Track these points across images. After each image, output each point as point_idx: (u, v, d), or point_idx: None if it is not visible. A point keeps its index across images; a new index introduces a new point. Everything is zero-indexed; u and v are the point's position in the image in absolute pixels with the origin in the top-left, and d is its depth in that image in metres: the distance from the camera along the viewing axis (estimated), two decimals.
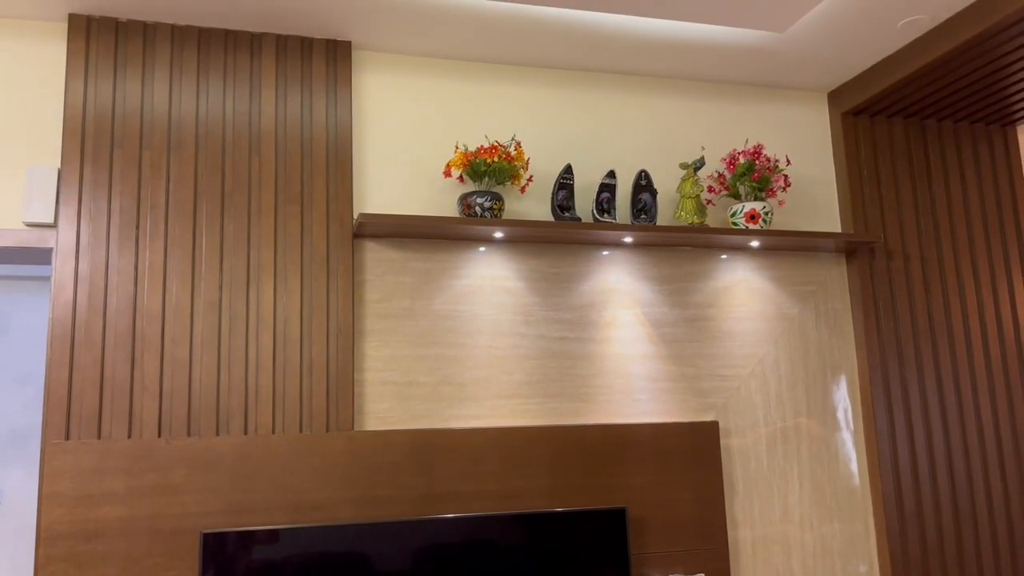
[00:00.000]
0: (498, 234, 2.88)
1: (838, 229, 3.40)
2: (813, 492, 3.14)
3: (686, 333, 3.12)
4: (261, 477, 2.55)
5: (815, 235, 3.10)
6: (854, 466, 3.21)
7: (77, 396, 2.48)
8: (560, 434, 2.85)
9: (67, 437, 2.46)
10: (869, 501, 3.20)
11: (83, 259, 2.57)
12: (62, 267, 2.55)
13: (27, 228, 2.58)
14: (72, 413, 2.47)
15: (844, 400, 3.25)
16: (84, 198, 2.60)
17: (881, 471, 3.16)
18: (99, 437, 2.48)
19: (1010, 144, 3.59)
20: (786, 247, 3.23)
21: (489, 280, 2.96)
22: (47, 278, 4.48)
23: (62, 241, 2.56)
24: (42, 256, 2.67)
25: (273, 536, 2.45)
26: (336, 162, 2.85)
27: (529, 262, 3.01)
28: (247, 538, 2.43)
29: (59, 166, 2.64)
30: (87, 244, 2.58)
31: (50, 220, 2.57)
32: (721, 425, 3.09)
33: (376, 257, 2.86)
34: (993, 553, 3.22)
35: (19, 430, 4.78)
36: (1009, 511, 3.27)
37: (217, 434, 2.57)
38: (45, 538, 2.35)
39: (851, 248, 3.29)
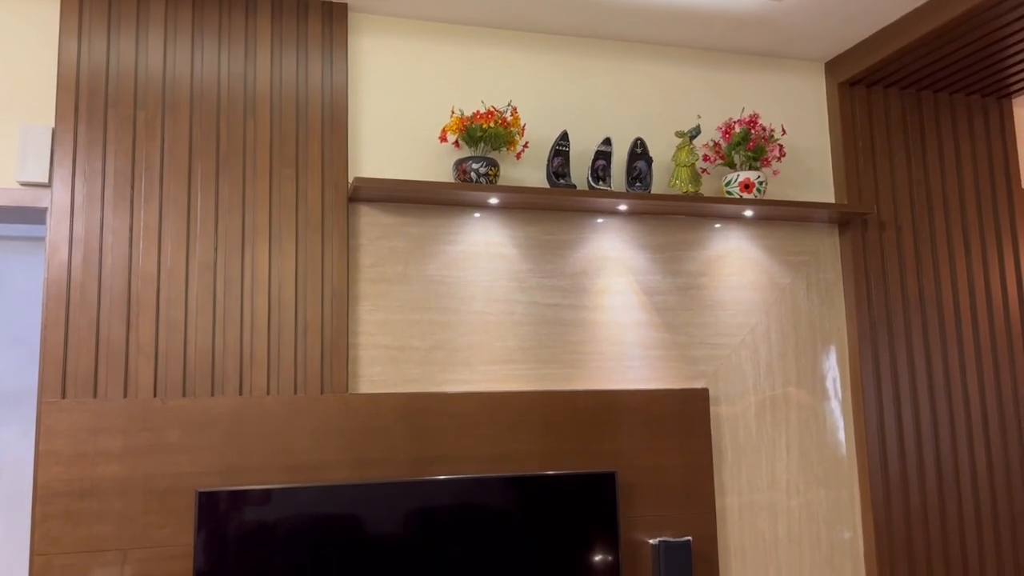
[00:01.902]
0: (493, 200, 2.89)
1: (832, 200, 3.41)
2: (800, 460, 3.19)
3: (678, 301, 3.14)
4: (255, 438, 2.57)
5: (808, 205, 3.11)
6: (841, 435, 3.25)
7: (73, 356, 2.49)
8: (552, 399, 2.88)
9: (63, 397, 2.47)
10: (855, 469, 3.25)
11: (78, 219, 2.57)
12: (57, 227, 2.55)
13: (21, 187, 2.57)
14: (68, 373, 2.48)
15: (833, 370, 3.29)
16: (78, 158, 2.59)
17: (868, 440, 3.21)
18: (95, 397, 2.50)
19: (1005, 117, 3.60)
20: (779, 217, 3.24)
21: (483, 246, 2.96)
22: (41, 239, 4.47)
23: (56, 201, 2.56)
24: (36, 216, 2.67)
25: (267, 496, 2.48)
26: (331, 125, 2.84)
27: (524, 229, 3.01)
28: (242, 497, 2.46)
29: (53, 125, 2.63)
30: (82, 204, 2.58)
31: (44, 180, 2.56)
32: (711, 392, 3.12)
33: (371, 221, 2.86)
34: (975, 521, 3.28)
35: (13, 391, 4.79)
36: (992, 481, 3.32)
37: (212, 395, 2.59)
38: (41, 496, 2.38)
39: (844, 219, 3.30)
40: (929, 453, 3.28)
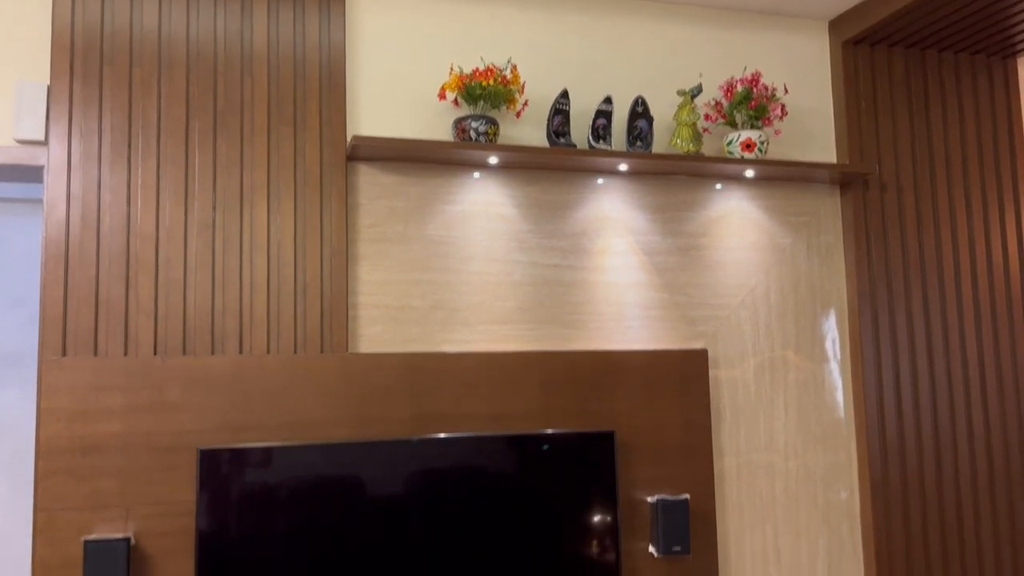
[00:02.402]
0: (492, 159, 2.87)
1: (833, 160, 3.39)
2: (798, 420, 3.20)
3: (678, 262, 3.13)
4: (256, 396, 2.58)
5: (810, 166, 3.10)
6: (839, 396, 3.27)
7: (72, 314, 2.49)
8: (551, 360, 2.89)
9: (63, 354, 2.48)
10: (853, 430, 3.27)
11: (75, 177, 2.55)
12: (54, 184, 2.54)
13: (17, 145, 2.55)
14: (68, 331, 2.48)
15: (832, 331, 3.29)
16: (75, 115, 2.57)
17: (866, 401, 3.22)
18: (95, 355, 2.50)
19: (1010, 76, 3.56)
20: (780, 177, 3.22)
21: (483, 206, 2.95)
22: (39, 200, 4.45)
23: (53, 158, 2.54)
24: (33, 174, 2.65)
25: (269, 454, 2.50)
26: (329, 84, 2.81)
27: (523, 188, 3.00)
28: (243, 455, 2.48)
29: (48, 82, 2.60)
30: (79, 162, 2.56)
31: (41, 137, 2.55)
32: (710, 353, 3.13)
33: (369, 181, 2.84)
34: (971, 481, 3.31)
35: (13, 352, 4.81)
36: (989, 440, 3.34)
37: (212, 354, 2.60)
38: (44, 452, 2.39)
39: (845, 179, 3.29)
40: (927, 413, 3.29)
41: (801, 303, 3.27)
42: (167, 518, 2.47)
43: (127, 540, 2.37)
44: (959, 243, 3.41)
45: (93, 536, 2.39)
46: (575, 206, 3.05)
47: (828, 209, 3.34)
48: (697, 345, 3.12)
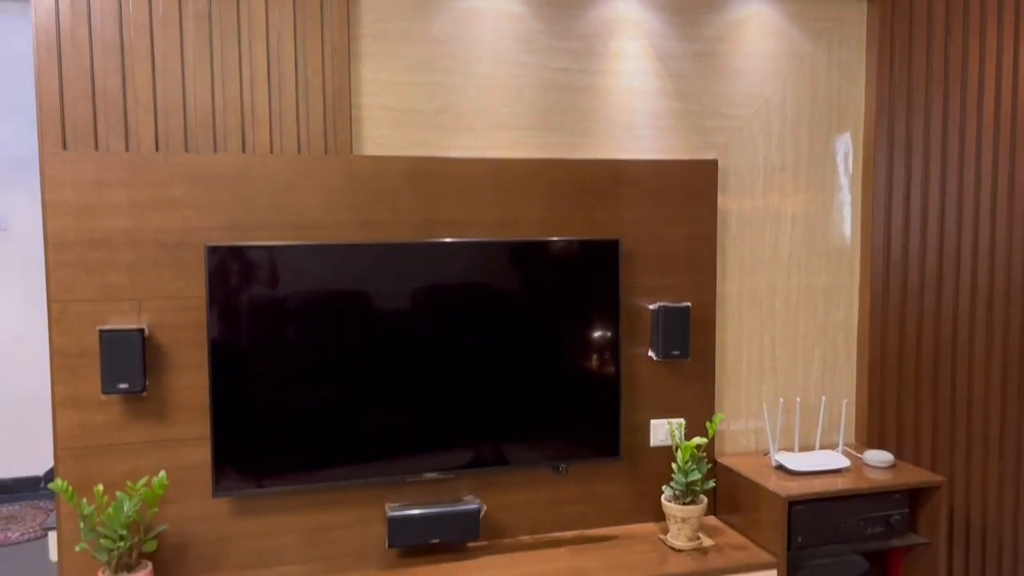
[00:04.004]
0: None
1: None
2: (804, 234, 3.20)
3: (693, 68, 3.02)
4: (261, 196, 2.57)
5: None
6: (847, 211, 3.24)
7: (70, 106, 2.44)
8: (558, 167, 2.85)
9: (64, 148, 2.44)
10: (858, 245, 3.27)
11: None
12: None
13: None
14: (66, 123, 2.44)
15: (846, 145, 3.22)
16: None
17: (874, 217, 3.20)
18: (96, 150, 2.47)
19: None
20: None
21: (490, 3, 2.81)
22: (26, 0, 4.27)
23: None
24: None
25: (276, 252, 2.52)
26: None
27: None
28: (250, 252, 2.50)
29: None
30: None
31: None
32: (720, 165, 3.08)
33: None
34: (971, 297, 3.35)
35: (16, 157, 4.77)
36: (993, 260, 3.35)
37: (215, 152, 2.56)
38: (53, 244, 2.41)
39: None
40: (934, 231, 3.28)
41: (817, 116, 3.18)
42: (179, 312, 2.52)
43: (141, 331, 2.43)
44: (986, 55, 3.27)
45: (108, 326, 2.46)
46: (588, 5, 2.90)
47: (853, 16, 3.18)
48: (708, 156, 3.06)
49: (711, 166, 3.00)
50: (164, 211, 2.49)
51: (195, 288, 2.53)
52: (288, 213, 2.59)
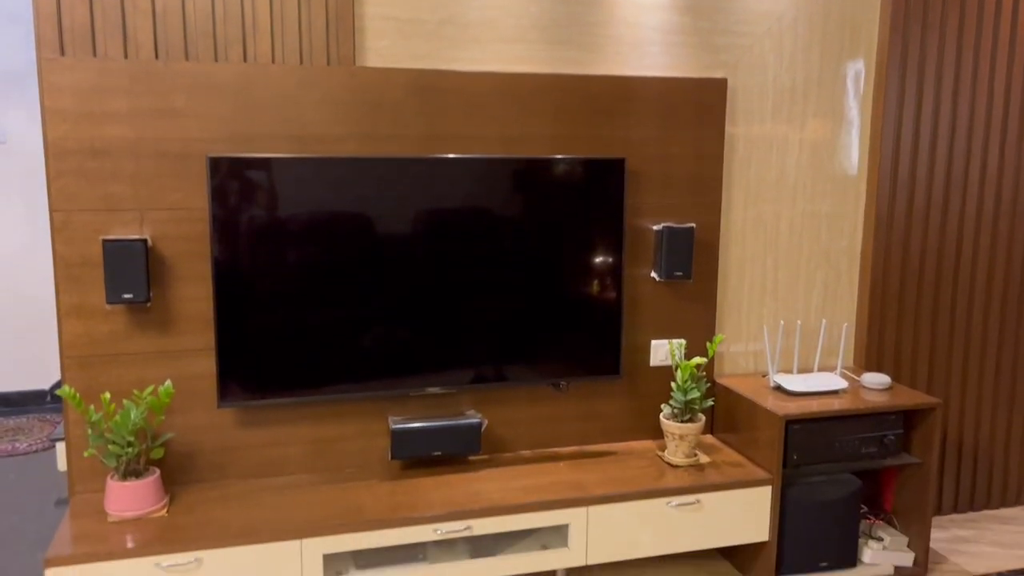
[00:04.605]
0: None
1: None
2: (812, 157, 3.17)
3: None
4: (263, 107, 2.53)
5: None
6: (855, 134, 3.20)
7: (67, 11, 2.38)
8: (565, 83, 2.80)
9: (62, 54, 2.40)
10: (866, 168, 3.24)
11: None
12: None
13: None
14: (63, 28, 2.38)
15: (858, 66, 3.16)
16: None
17: (883, 140, 3.17)
18: (95, 56, 2.42)
19: None
20: None
21: None
22: None
23: None
24: None
25: (279, 164, 2.49)
26: None
27: None
28: (253, 164, 2.47)
29: None
30: None
31: None
32: (729, 83, 3.03)
33: None
34: (976, 220, 3.33)
35: (14, 71, 4.69)
36: (1000, 183, 3.33)
37: (216, 61, 2.52)
38: (53, 153, 2.39)
39: None
40: (942, 153, 3.25)
41: (829, 35, 3.11)
42: (182, 223, 2.52)
43: (144, 241, 2.43)
44: None
45: (111, 236, 2.45)
46: None
47: None
48: (717, 75, 3.01)
49: (720, 85, 2.96)
50: (165, 120, 2.46)
51: (197, 200, 2.52)
52: (290, 125, 2.56)
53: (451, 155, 2.68)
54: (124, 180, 2.45)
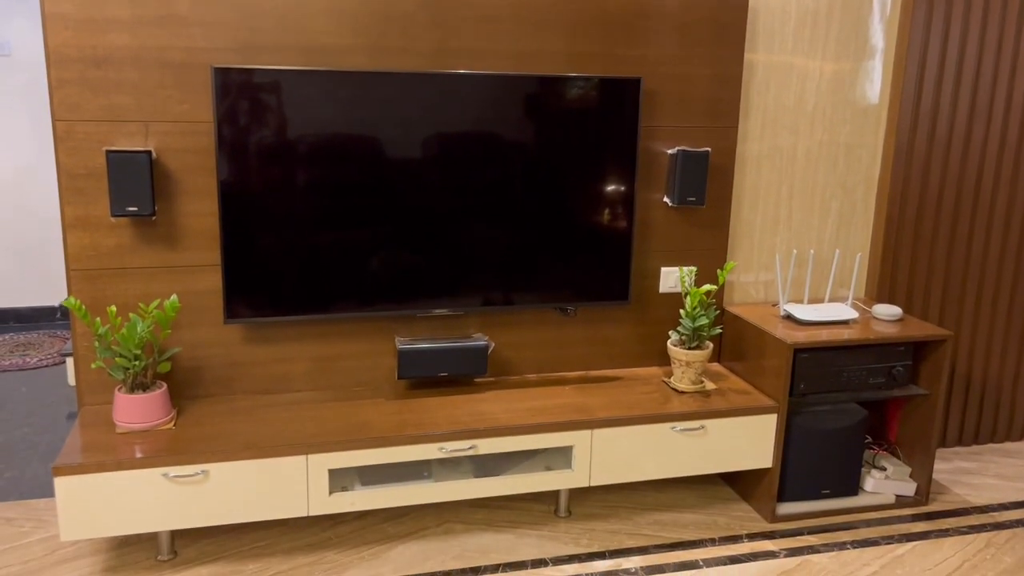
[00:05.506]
0: None
1: None
2: (833, 84, 3.07)
3: None
4: (269, 15, 2.46)
5: None
6: (879, 59, 3.10)
7: None
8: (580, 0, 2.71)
9: None
10: (888, 96, 3.15)
11: None
12: None
13: None
14: None
15: None
16: None
17: (907, 66, 3.07)
18: None
19: None
20: None
21: None
22: None
23: None
24: None
25: (286, 77, 2.43)
26: None
27: None
28: (260, 76, 2.41)
29: None
30: None
31: None
32: (750, 3, 2.92)
33: None
34: (999, 151, 3.25)
35: None
36: None
37: None
38: (55, 60, 2.33)
39: None
40: (967, 83, 3.15)
41: None
42: (187, 136, 2.47)
43: (148, 153, 2.39)
44: None
45: (115, 147, 2.41)
46: None
47: None
48: None
49: (741, 2, 2.85)
50: (168, 28, 2.39)
51: (203, 112, 2.46)
52: (297, 35, 2.49)
53: (462, 71, 2.61)
54: (128, 91, 2.40)
